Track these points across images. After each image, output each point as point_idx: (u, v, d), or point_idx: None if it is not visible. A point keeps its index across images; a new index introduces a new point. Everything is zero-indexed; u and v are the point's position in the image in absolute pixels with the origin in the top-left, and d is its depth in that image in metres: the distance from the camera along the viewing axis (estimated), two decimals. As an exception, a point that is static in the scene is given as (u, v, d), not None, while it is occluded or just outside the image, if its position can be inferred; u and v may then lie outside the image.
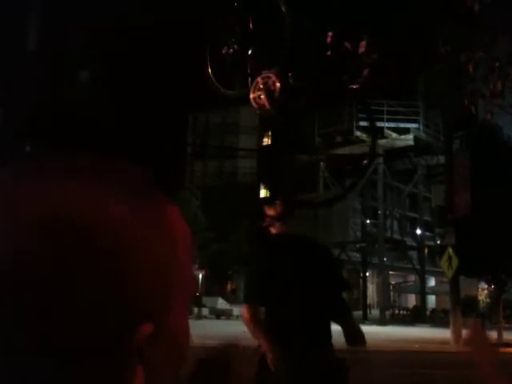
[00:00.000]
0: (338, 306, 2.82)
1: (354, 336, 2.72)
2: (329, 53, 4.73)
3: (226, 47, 4.99)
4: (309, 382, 2.63)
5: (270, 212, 2.89)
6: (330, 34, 4.77)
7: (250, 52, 4.95)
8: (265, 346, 2.62)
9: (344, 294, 2.96)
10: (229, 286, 37.67)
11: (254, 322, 2.67)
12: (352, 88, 4.72)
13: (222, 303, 29.86)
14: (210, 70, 5.07)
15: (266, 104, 4.80)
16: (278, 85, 4.75)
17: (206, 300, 29.46)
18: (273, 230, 2.88)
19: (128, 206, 0.40)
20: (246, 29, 4.92)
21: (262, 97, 4.77)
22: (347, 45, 4.69)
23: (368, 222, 37.29)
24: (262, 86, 4.79)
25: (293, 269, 2.73)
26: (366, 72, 4.69)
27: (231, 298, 34.16)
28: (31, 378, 0.37)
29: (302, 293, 2.71)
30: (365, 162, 5.08)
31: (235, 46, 4.98)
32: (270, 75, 4.82)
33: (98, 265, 0.37)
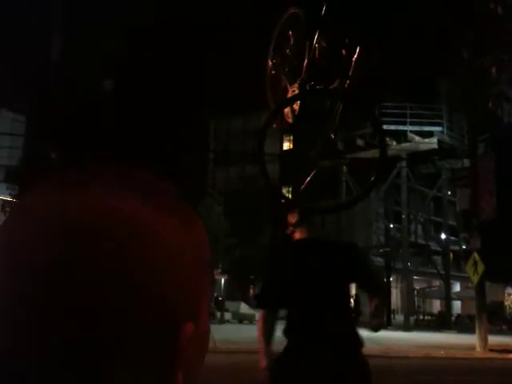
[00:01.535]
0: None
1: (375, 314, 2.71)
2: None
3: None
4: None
5: (291, 219, 2.94)
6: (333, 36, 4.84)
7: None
8: (260, 350, 2.68)
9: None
10: (251, 291, 37.69)
11: (262, 324, 2.73)
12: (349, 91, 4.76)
13: (244, 308, 29.89)
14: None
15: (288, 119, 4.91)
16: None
17: (228, 304, 29.53)
18: (296, 236, 2.90)
19: (160, 215, 0.44)
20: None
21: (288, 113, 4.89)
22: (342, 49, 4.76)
23: (392, 226, 36.97)
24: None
25: (310, 272, 2.74)
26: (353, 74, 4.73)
27: (254, 303, 34.18)
28: (86, 376, 0.39)
29: (320, 294, 2.71)
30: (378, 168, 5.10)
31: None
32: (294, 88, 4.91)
33: (147, 268, 0.41)
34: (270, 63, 5.16)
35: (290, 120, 5.02)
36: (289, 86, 4.95)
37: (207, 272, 0.48)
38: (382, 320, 2.80)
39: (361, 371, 2.67)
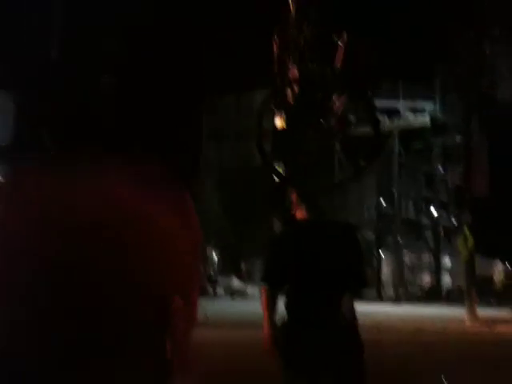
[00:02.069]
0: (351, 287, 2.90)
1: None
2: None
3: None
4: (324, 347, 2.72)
5: (294, 199, 3.03)
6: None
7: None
8: (265, 326, 2.78)
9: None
10: (243, 266, 37.97)
11: (266, 300, 2.81)
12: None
13: (236, 283, 30.16)
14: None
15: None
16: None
17: (220, 279, 29.77)
18: (298, 216, 2.98)
19: (152, 199, 0.47)
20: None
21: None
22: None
23: (383, 201, 37.17)
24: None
25: (312, 253, 2.82)
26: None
27: (246, 278, 34.44)
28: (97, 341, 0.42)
29: (315, 278, 2.79)
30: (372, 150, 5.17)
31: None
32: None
33: (141, 253, 0.44)
34: (277, 42, 5.18)
35: (291, 101, 5.06)
36: (291, 67, 4.97)
37: (198, 251, 0.51)
38: (353, 317, 2.83)
39: (353, 345, 2.76)
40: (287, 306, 2.84)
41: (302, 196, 2.99)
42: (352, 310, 2.83)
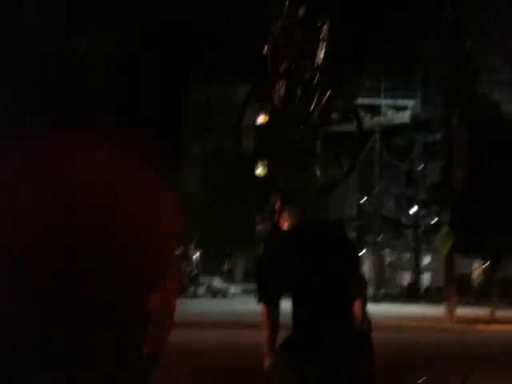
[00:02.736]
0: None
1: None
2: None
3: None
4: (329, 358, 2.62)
5: (276, 206, 2.88)
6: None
7: None
8: (264, 345, 2.66)
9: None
10: (225, 265, 37.89)
11: (267, 321, 2.69)
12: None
13: (218, 282, 30.03)
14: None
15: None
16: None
17: (202, 279, 29.62)
18: (282, 223, 2.84)
19: (131, 189, 0.45)
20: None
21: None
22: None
23: (364, 199, 37.37)
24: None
25: (307, 262, 2.71)
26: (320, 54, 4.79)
27: (228, 277, 34.35)
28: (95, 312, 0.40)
29: (316, 284, 2.68)
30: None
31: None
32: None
33: (117, 243, 0.42)
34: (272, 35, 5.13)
35: (275, 96, 5.00)
36: (281, 61, 4.94)
37: (176, 245, 0.46)
38: (369, 321, 2.75)
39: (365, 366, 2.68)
40: (292, 323, 2.73)
41: (287, 200, 2.86)
42: (367, 318, 2.71)
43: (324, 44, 4.84)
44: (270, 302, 2.72)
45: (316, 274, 2.68)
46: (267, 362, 2.65)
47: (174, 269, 0.41)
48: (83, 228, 0.34)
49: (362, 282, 2.88)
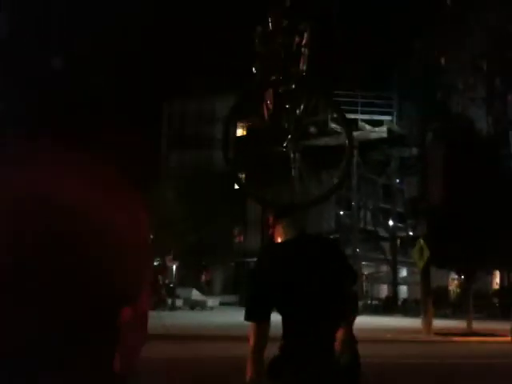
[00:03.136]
0: (343, 305, 2.62)
1: (346, 345, 2.51)
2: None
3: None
4: None
5: (270, 220, 2.80)
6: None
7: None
8: (249, 360, 2.55)
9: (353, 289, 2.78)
10: (203, 277, 37.65)
11: (254, 339, 2.56)
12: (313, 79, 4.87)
13: (196, 294, 29.82)
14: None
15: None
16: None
17: (180, 291, 29.39)
18: (276, 237, 2.76)
19: (102, 204, 0.43)
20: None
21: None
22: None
23: (342, 212, 37.62)
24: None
25: (298, 275, 2.60)
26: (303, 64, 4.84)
27: (206, 289, 34.14)
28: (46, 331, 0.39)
29: (310, 298, 2.58)
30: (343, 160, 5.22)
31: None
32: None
33: (88, 257, 0.41)
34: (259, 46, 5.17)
35: (266, 117, 5.02)
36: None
37: (148, 256, 0.46)
38: (354, 349, 2.56)
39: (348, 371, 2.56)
40: (282, 339, 2.61)
41: (280, 214, 2.76)
42: (353, 344, 2.54)
43: (306, 51, 4.90)
44: (262, 317, 2.59)
45: (314, 289, 2.58)
46: (249, 377, 2.55)
47: (146, 280, 0.43)
48: (51, 240, 0.37)
49: (355, 305, 2.74)
